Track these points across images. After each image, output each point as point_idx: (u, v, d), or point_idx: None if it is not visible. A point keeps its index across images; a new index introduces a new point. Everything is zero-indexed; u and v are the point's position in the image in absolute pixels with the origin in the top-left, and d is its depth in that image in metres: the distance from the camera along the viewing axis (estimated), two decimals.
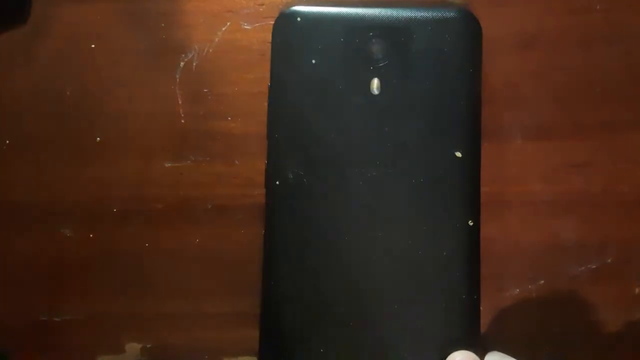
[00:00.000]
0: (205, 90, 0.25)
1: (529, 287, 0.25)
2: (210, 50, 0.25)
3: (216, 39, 0.26)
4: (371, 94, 0.22)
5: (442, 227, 0.22)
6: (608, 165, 0.25)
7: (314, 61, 0.22)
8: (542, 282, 0.25)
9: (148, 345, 0.25)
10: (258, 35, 0.25)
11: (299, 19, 0.22)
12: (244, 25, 0.26)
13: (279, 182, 0.22)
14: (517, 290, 0.25)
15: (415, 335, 0.22)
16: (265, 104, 0.23)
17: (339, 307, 0.22)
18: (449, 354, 0.21)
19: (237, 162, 0.25)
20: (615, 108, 0.25)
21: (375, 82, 0.22)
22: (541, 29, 0.25)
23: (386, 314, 0.22)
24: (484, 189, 0.22)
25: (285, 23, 0.22)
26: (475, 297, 0.22)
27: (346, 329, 0.22)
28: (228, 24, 0.26)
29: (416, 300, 0.22)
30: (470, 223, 0.22)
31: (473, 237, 0.22)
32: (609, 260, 0.25)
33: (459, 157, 0.22)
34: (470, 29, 0.22)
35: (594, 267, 0.25)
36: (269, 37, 0.23)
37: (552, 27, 0.25)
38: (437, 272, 0.22)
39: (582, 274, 0.25)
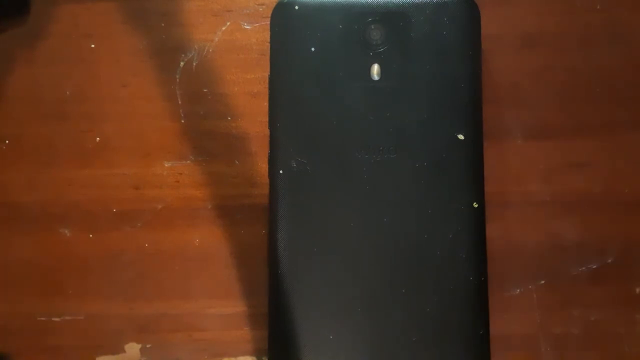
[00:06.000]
0: (205, 90, 0.25)
1: (529, 287, 0.25)
2: (210, 50, 0.25)
3: (216, 39, 0.26)
4: (371, 79, 0.22)
5: (447, 210, 0.22)
6: (608, 165, 0.25)
7: (313, 49, 0.22)
8: (542, 282, 0.25)
9: (148, 345, 0.25)
10: (258, 35, 0.26)
11: (296, 7, 0.22)
12: (244, 25, 0.26)
13: (283, 172, 0.22)
14: (517, 290, 0.25)
15: (424, 319, 0.22)
16: (266, 104, 0.23)
17: (347, 294, 0.22)
18: (458, 336, 0.22)
19: (237, 162, 0.25)
20: (615, 108, 0.25)
21: (376, 68, 0.22)
22: (541, 29, 0.25)
23: (394, 301, 0.22)
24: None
25: (283, 11, 0.22)
26: (482, 278, 0.22)
27: (355, 315, 0.22)
28: (228, 23, 0.26)
29: (424, 284, 0.22)
30: (475, 205, 0.22)
31: (478, 219, 0.22)
32: (609, 260, 0.25)
33: (461, 140, 0.22)
34: (468, 11, 0.22)
35: (594, 267, 0.25)
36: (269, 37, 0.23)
37: (552, 27, 0.25)
38: (444, 256, 0.22)
39: (582, 274, 0.25)
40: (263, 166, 0.25)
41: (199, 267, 0.25)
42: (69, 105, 0.25)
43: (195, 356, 0.25)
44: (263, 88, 0.25)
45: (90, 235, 0.25)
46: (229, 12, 0.26)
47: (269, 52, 0.22)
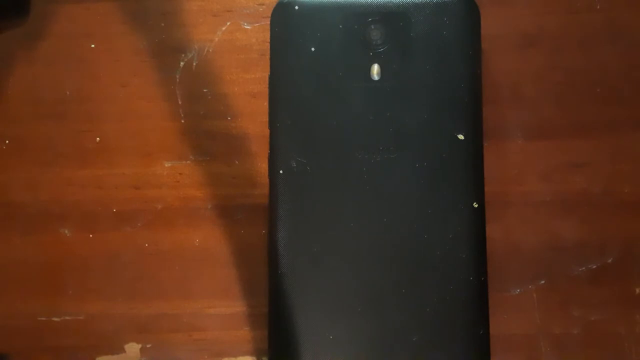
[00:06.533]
0: (205, 90, 0.25)
1: (529, 287, 0.25)
2: (210, 50, 0.25)
3: (216, 39, 0.26)
4: (371, 79, 0.22)
5: (447, 209, 0.22)
6: (608, 165, 0.25)
7: (313, 49, 0.22)
8: (542, 282, 0.25)
9: (148, 345, 0.25)
10: (258, 35, 0.26)
11: (296, 7, 0.22)
12: (244, 25, 0.26)
13: (283, 172, 0.22)
14: (517, 290, 0.25)
15: (424, 319, 0.22)
16: (266, 104, 0.23)
17: (347, 294, 0.22)
18: (458, 336, 0.22)
19: (237, 162, 0.25)
20: (615, 108, 0.25)
21: (375, 68, 0.22)
22: (542, 29, 0.25)
23: (394, 301, 0.22)
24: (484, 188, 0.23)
25: (283, 11, 0.22)
26: (482, 278, 0.22)
27: (355, 315, 0.22)
28: (228, 23, 0.26)
29: (424, 284, 0.22)
30: (475, 205, 0.22)
31: (478, 219, 0.22)
32: (609, 260, 0.25)
33: (461, 140, 0.22)
34: (468, 11, 0.22)
35: (594, 267, 0.25)
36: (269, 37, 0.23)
37: (552, 27, 0.25)
38: (444, 256, 0.22)
39: (582, 274, 0.25)
40: (263, 166, 0.25)
41: (199, 267, 0.25)
42: (69, 105, 0.25)
43: (195, 356, 0.25)
44: (263, 88, 0.25)
45: (90, 235, 0.25)
46: (229, 12, 0.26)
47: (269, 52, 0.22)
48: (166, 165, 0.25)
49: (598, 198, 0.25)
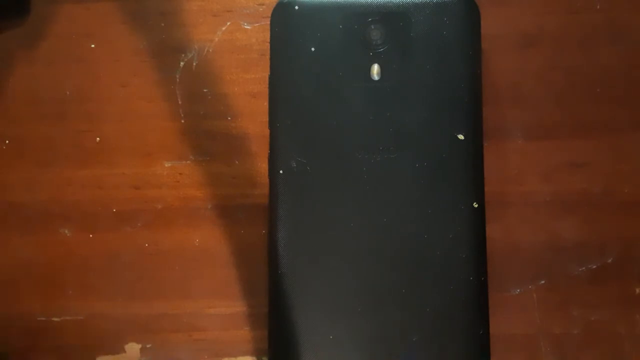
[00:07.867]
0: (205, 90, 0.25)
1: (529, 287, 0.25)
2: (210, 50, 0.25)
3: (216, 39, 0.26)
4: (371, 79, 0.22)
5: (447, 209, 0.22)
6: (608, 165, 0.25)
7: (313, 49, 0.22)
8: (542, 282, 0.25)
9: (148, 345, 0.25)
10: (258, 35, 0.26)
11: (296, 7, 0.22)
12: (244, 25, 0.26)
13: (283, 172, 0.22)
14: (517, 290, 0.25)
15: (424, 319, 0.22)
16: (266, 104, 0.23)
17: (348, 294, 0.22)
18: (458, 336, 0.22)
19: (237, 162, 0.25)
20: (615, 108, 0.25)
21: (375, 68, 0.22)
22: (542, 29, 0.25)
23: (394, 301, 0.22)
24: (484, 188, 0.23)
25: (283, 11, 0.22)
26: (482, 278, 0.22)
27: (355, 315, 0.22)
28: (228, 23, 0.26)
29: (424, 284, 0.22)
30: (475, 205, 0.22)
31: (478, 219, 0.22)
32: (609, 260, 0.25)
33: (461, 140, 0.22)
34: (468, 11, 0.22)
35: (594, 267, 0.25)
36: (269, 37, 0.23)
37: (552, 27, 0.25)
38: (444, 256, 0.22)
39: (582, 274, 0.25)
40: (263, 166, 0.25)
41: (199, 267, 0.25)
42: (68, 105, 0.25)
43: (195, 356, 0.25)
44: (263, 88, 0.25)
45: (90, 235, 0.25)
46: (229, 12, 0.26)
47: (269, 52, 0.22)
48: (166, 165, 0.25)
49: (598, 198, 0.25)
